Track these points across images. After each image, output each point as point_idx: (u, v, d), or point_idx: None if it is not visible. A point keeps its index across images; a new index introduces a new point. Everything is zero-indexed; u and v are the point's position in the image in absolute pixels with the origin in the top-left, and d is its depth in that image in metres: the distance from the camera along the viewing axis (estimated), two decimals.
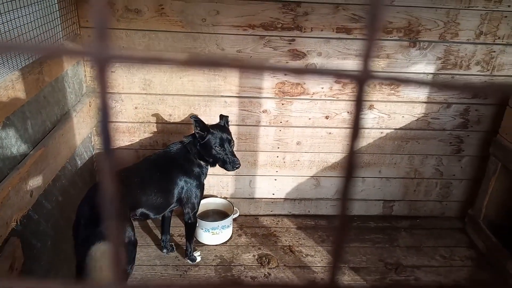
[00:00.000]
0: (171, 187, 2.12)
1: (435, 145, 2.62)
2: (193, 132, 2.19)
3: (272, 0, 2.19)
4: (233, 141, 2.18)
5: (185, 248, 2.34)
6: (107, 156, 0.26)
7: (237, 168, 2.13)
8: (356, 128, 0.25)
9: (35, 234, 1.66)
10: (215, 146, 2.09)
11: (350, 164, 0.26)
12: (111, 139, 0.26)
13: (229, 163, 2.10)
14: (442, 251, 2.54)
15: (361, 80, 0.23)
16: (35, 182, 1.63)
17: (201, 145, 2.11)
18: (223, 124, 2.20)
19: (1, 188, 1.41)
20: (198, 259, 2.33)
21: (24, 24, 1.67)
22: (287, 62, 2.35)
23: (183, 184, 2.14)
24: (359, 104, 0.23)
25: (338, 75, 0.25)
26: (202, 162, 2.18)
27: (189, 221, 2.24)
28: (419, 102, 2.50)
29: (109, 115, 0.25)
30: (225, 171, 2.18)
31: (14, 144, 1.56)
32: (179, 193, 2.15)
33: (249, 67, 0.24)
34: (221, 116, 2.24)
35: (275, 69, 0.24)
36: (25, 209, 1.57)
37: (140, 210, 2.00)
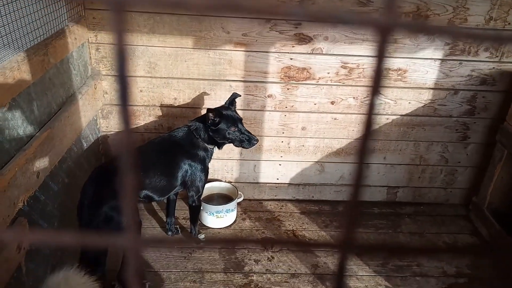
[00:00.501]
0: (175, 170, 2.12)
1: (441, 131, 2.61)
2: (200, 117, 2.19)
3: None
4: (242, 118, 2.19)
5: (189, 230, 2.36)
6: (124, 105, 0.26)
7: (255, 143, 2.16)
8: (376, 85, 0.25)
9: (42, 214, 1.68)
10: (230, 128, 2.11)
11: (369, 124, 0.25)
12: (128, 89, 0.26)
13: (247, 141, 2.14)
14: (445, 238, 2.54)
15: (384, 29, 0.22)
16: (42, 163, 1.64)
17: (214, 131, 2.11)
18: (227, 105, 2.19)
19: (8, 168, 1.42)
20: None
21: (28, 5, 1.66)
22: (293, 46, 2.33)
23: (187, 168, 2.15)
24: (381, 58, 0.23)
25: (360, 22, 0.25)
26: (209, 146, 2.18)
27: (193, 204, 2.25)
28: (426, 88, 2.48)
29: (126, 63, 0.25)
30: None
31: (20, 125, 1.57)
32: (183, 177, 2.15)
33: (265, 11, 0.24)
34: (234, 95, 2.22)
35: (290, 14, 0.24)
36: (32, 190, 1.58)
37: (144, 192, 2.02)
